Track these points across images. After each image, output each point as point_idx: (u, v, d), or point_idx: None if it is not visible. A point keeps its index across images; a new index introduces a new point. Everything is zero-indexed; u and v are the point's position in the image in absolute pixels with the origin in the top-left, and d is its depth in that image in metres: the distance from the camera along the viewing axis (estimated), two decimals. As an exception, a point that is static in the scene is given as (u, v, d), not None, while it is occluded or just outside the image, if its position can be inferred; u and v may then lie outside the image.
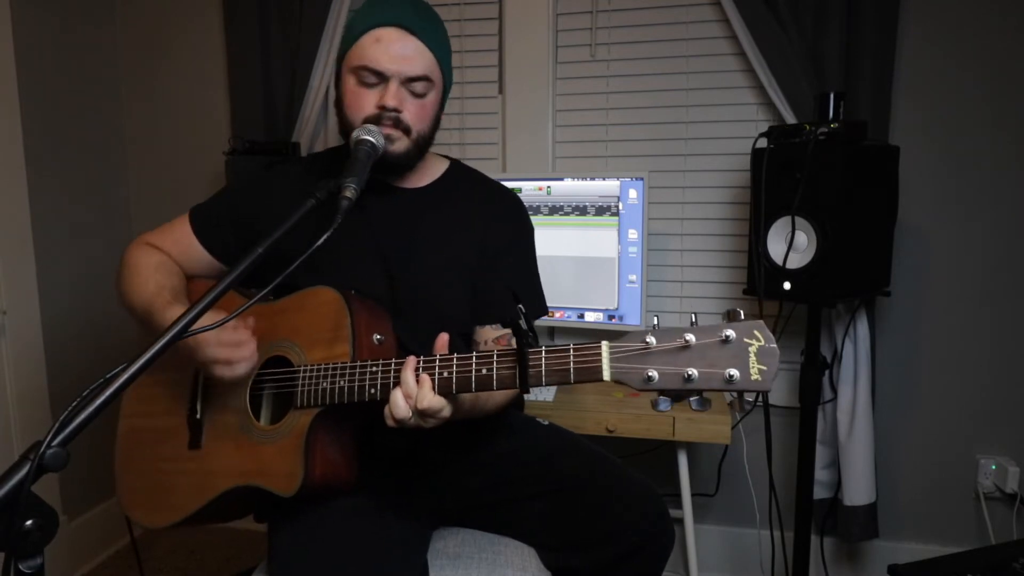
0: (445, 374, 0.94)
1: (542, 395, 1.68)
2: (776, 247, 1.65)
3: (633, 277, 1.88)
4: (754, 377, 0.76)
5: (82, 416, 0.71)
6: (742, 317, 0.78)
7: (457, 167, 1.35)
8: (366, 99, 1.13)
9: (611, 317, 1.93)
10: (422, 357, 0.97)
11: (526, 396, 1.62)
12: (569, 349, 0.86)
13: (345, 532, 1.08)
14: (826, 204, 1.56)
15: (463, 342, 1.25)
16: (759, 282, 1.65)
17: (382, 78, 1.13)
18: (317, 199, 1.00)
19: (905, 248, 1.90)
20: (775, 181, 1.62)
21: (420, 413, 0.94)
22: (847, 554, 2.09)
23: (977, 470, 1.97)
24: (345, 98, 1.16)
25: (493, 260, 1.25)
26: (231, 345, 1.07)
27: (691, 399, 0.79)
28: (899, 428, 2.01)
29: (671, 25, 2.02)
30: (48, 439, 0.68)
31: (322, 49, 2.07)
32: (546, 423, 1.37)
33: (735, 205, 2.05)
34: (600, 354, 0.83)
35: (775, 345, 0.77)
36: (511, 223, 1.31)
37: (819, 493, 1.94)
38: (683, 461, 1.69)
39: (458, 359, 0.94)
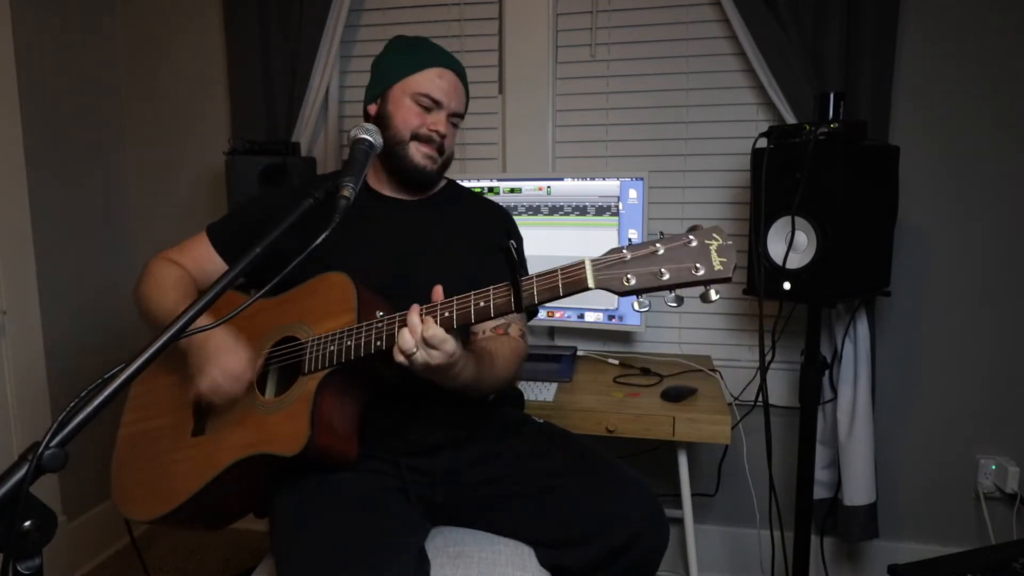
0: (446, 314, 1.02)
1: (542, 395, 1.68)
2: (776, 247, 1.65)
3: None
4: (716, 268, 0.88)
5: (80, 416, 0.71)
6: (702, 228, 0.91)
7: (454, 184, 1.51)
8: (420, 119, 1.33)
9: (611, 317, 1.93)
10: (424, 305, 1.04)
11: (527, 396, 1.63)
12: (556, 270, 0.96)
13: (347, 508, 1.11)
14: (826, 204, 1.56)
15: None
16: (759, 282, 1.65)
17: (437, 107, 1.33)
18: (315, 199, 1.03)
19: (905, 248, 1.90)
20: (775, 181, 1.62)
21: (425, 343, 1.00)
22: (847, 554, 2.09)
23: (977, 470, 1.97)
24: (399, 113, 1.33)
25: (487, 261, 1.32)
26: (232, 377, 1.14)
27: (667, 297, 0.92)
28: (899, 428, 2.01)
29: (671, 25, 2.02)
30: (46, 440, 0.68)
31: (322, 49, 2.07)
32: (541, 421, 1.39)
33: (735, 205, 2.05)
34: (584, 268, 0.94)
35: (731, 242, 0.90)
36: (502, 230, 1.43)
37: (819, 493, 1.94)
38: (683, 461, 1.69)
39: (457, 299, 1.02)
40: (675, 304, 0.92)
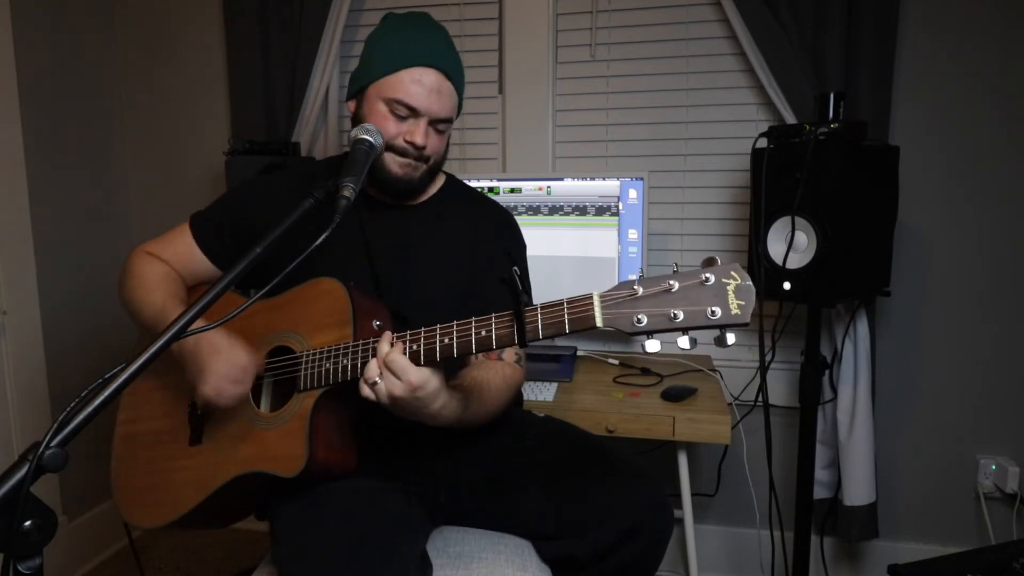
0: (446, 340, 0.97)
1: (542, 395, 1.68)
2: (776, 247, 1.65)
3: (633, 277, 1.87)
4: (734, 312, 0.82)
5: (81, 416, 0.71)
6: (718, 263, 0.85)
7: (453, 183, 1.40)
8: (395, 128, 1.20)
9: (611, 317, 1.93)
10: (423, 328, 1.00)
11: (526, 397, 1.62)
12: (563, 303, 0.91)
13: (347, 514, 1.09)
14: (826, 204, 1.56)
15: None
16: (759, 282, 1.65)
17: (414, 114, 1.20)
18: (316, 199, 1.02)
19: (905, 248, 1.90)
20: (775, 181, 1.62)
21: (387, 367, 0.96)
22: (847, 554, 2.09)
23: (977, 470, 1.97)
24: (372, 119, 1.21)
25: (486, 272, 1.29)
26: (233, 380, 1.10)
27: (680, 339, 0.86)
28: (899, 428, 2.01)
29: (671, 25, 2.02)
30: (47, 440, 0.68)
31: (322, 49, 2.07)
32: (542, 416, 1.37)
33: (735, 205, 2.05)
34: (592, 303, 0.89)
35: (750, 283, 0.83)
36: (503, 237, 1.36)
37: (819, 493, 1.94)
38: (683, 461, 1.69)
39: (458, 325, 0.97)
40: (688, 347, 0.86)
